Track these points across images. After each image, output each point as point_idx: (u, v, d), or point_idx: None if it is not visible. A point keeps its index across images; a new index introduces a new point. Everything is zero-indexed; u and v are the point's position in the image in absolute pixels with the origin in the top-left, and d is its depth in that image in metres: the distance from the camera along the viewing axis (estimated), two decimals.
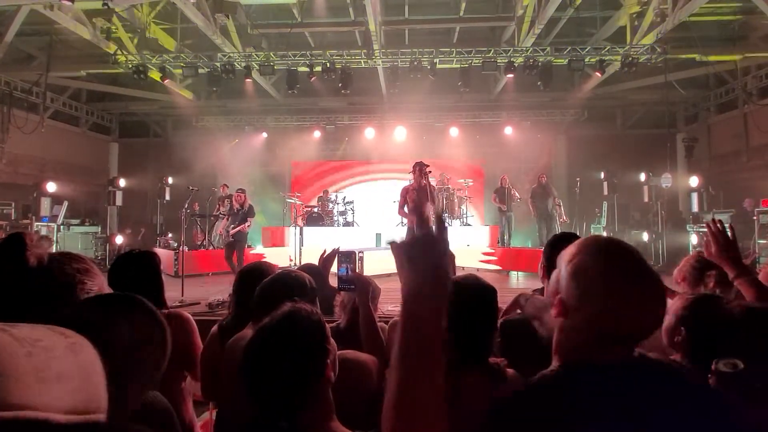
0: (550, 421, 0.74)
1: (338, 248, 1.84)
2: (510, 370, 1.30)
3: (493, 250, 8.88)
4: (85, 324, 0.69)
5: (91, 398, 0.49)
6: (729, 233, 1.55)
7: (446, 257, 0.71)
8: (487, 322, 1.36)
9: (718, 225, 1.56)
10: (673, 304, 1.31)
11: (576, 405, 0.74)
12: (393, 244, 0.72)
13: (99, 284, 0.89)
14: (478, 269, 8.42)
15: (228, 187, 9.53)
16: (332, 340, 1.06)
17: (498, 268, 8.34)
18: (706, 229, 1.59)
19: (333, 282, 1.90)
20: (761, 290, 1.47)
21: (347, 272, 1.73)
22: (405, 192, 5.62)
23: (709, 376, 1.04)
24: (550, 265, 1.74)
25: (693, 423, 0.74)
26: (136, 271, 1.75)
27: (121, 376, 0.70)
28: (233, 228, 7.11)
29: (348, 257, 1.75)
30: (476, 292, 1.39)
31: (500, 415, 0.80)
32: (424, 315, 0.67)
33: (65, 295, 0.81)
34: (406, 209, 5.69)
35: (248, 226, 7.15)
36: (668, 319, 1.29)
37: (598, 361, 0.78)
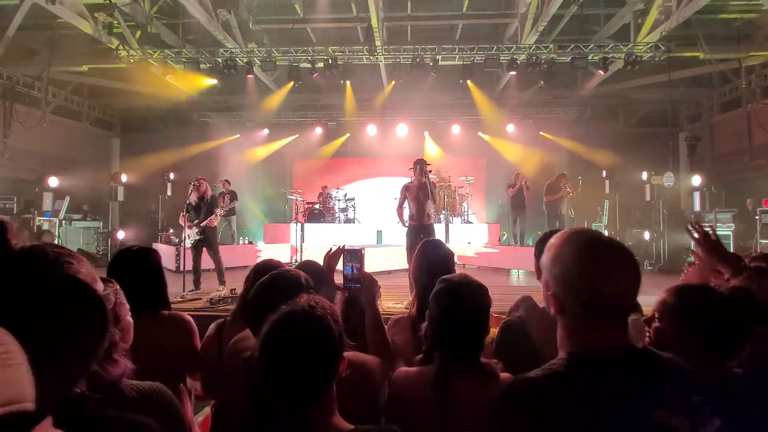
0: (554, 414, 0.79)
1: (344, 246, 1.81)
2: (504, 374, 1.30)
3: (496, 249, 8.88)
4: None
5: (9, 388, 0.49)
6: (711, 234, 1.50)
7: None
8: (477, 322, 1.35)
9: (699, 229, 1.51)
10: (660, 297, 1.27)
11: (579, 400, 0.79)
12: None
13: (86, 269, 0.85)
14: (478, 267, 8.44)
15: (230, 183, 9.53)
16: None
17: (499, 266, 8.35)
18: (690, 237, 1.53)
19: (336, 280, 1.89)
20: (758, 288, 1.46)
21: (353, 271, 1.71)
22: (405, 189, 5.58)
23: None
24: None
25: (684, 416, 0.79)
26: (138, 268, 1.68)
27: (49, 361, 0.68)
28: (200, 223, 5.91)
29: (354, 255, 1.72)
30: (464, 291, 1.38)
31: (509, 406, 0.86)
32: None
33: (54, 273, 0.78)
34: (406, 207, 5.61)
35: (215, 218, 5.96)
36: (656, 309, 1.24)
37: (598, 351, 0.83)
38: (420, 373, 1.34)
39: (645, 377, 0.81)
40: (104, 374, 0.81)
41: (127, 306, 1.34)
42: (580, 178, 10.13)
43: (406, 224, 5.50)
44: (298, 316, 0.99)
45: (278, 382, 0.95)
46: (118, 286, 1.32)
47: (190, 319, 1.81)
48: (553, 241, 0.93)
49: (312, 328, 0.97)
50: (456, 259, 2.09)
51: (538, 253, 1.76)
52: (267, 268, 1.90)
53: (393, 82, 10.41)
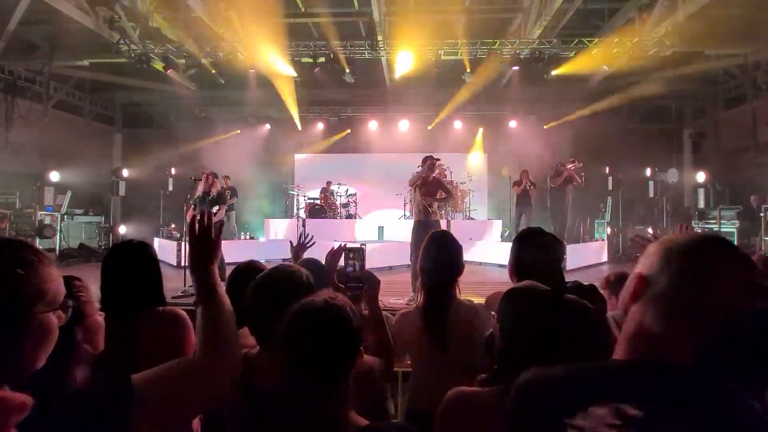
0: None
1: (344, 244, 1.79)
2: None
3: (498, 245, 8.86)
4: None
5: None
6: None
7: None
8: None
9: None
10: None
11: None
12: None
13: (44, 277, 0.73)
14: (480, 263, 8.42)
15: (230, 178, 9.51)
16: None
17: (501, 263, 8.33)
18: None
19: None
20: None
21: (355, 269, 1.69)
22: (414, 180, 5.41)
23: None
24: (518, 260, 1.66)
25: None
26: (133, 263, 1.66)
27: None
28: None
29: (356, 253, 1.70)
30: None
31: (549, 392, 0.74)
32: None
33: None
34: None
35: (216, 214, 5.77)
36: None
37: (669, 359, 0.73)
38: (482, 394, 1.11)
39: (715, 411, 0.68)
40: (70, 381, 0.76)
41: (96, 305, 1.32)
42: (582, 174, 10.07)
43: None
44: (321, 308, 1.01)
45: (302, 371, 0.98)
46: (85, 283, 1.29)
47: (185, 315, 1.79)
48: (677, 234, 0.85)
49: (336, 318, 1.01)
50: None
51: (515, 250, 1.69)
52: (252, 268, 1.85)
53: (395, 78, 10.34)
